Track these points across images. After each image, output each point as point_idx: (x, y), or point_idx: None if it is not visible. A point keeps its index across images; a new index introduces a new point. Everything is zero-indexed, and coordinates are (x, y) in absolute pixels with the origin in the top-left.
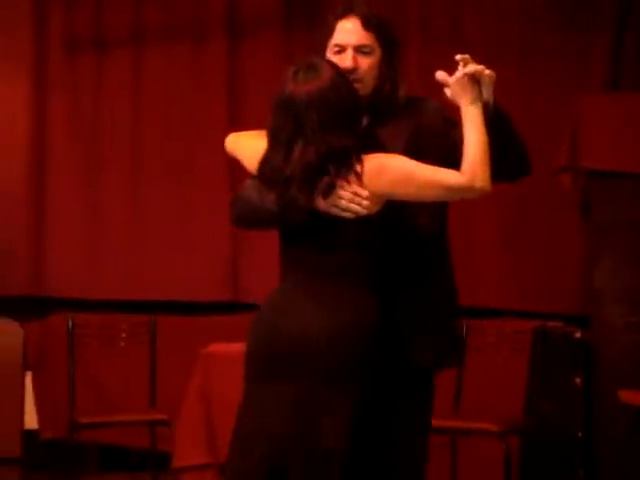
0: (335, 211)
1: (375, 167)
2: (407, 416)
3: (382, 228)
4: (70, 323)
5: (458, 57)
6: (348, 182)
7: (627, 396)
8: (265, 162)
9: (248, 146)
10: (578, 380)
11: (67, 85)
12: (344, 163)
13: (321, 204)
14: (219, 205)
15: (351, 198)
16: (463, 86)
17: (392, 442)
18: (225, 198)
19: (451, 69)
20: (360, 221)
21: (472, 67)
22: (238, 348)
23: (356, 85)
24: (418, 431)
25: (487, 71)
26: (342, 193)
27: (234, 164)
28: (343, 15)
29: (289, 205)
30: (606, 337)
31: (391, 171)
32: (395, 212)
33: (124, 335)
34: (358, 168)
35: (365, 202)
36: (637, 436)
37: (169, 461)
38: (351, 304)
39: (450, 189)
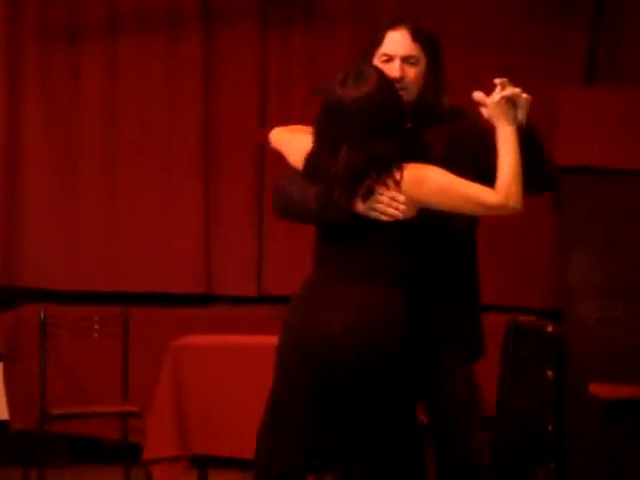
0: (373, 214)
1: (414, 176)
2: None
3: (417, 232)
4: (42, 314)
5: (497, 81)
6: (387, 187)
7: (597, 390)
8: (310, 161)
9: (293, 141)
10: (549, 374)
11: (41, 75)
12: (385, 169)
13: (360, 207)
14: (193, 198)
15: (389, 203)
16: (501, 108)
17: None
18: (199, 190)
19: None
20: (396, 224)
21: (510, 90)
22: (210, 340)
23: (401, 93)
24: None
25: (524, 95)
26: (381, 197)
27: (209, 156)
28: (393, 26)
29: (330, 205)
30: (578, 332)
31: (429, 182)
32: (430, 218)
33: (97, 327)
34: (397, 175)
35: (402, 207)
36: (607, 429)
37: (141, 453)
38: (382, 304)
39: (484, 206)
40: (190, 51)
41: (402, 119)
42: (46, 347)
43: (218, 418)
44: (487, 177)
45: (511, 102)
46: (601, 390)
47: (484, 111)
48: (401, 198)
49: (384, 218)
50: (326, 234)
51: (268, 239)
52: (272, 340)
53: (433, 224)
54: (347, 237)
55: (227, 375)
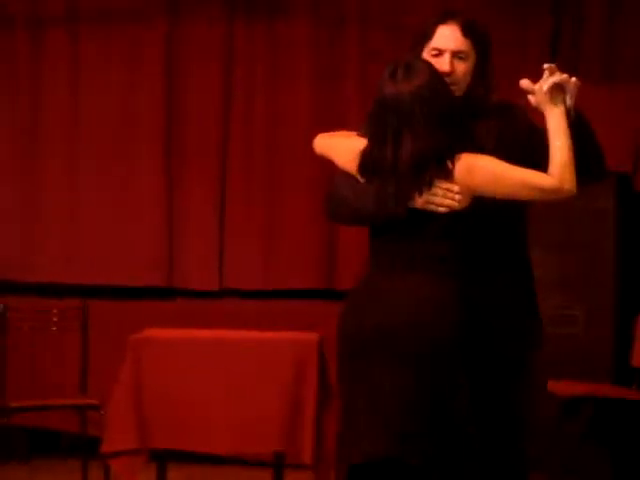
0: (430, 207)
1: (466, 165)
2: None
3: (471, 221)
4: (1, 306)
5: (545, 66)
6: (442, 178)
7: (555, 387)
8: (368, 156)
9: (340, 144)
10: None
11: (1, 62)
12: (443, 160)
13: (418, 200)
14: (155, 190)
15: (444, 194)
16: (549, 94)
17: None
18: (160, 182)
19: (389, 55)
20: (450, 214)
21: (559, 76)
22: (170, 334)
23: (451, 88)
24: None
25: (572, 79)
26: (435, 190)
27: (171, 148)
28: (444, 20)
29: (388, 201)
30: None
31: (481, 170)
32: (484, 206)
33: (56, 319)
34: (450, 165)
35: (458, 196)
36: (566, 426)
37: (99, 446)
38: (437, 295)
39: (540, 190)
40: (153, 37)
41: (455, 110)
42: (5, 340)
43: (178, 412)
44: (539, 169)
45: (559, 88)
46: (558, 387)
47: (531, 99)
48: (456, 188)
49: (441, 210)
50: (380, 228)
51: (230, 233)
52: (233, 334)
53: (487, 212)
54: (401, 230)
55: (187, 369)
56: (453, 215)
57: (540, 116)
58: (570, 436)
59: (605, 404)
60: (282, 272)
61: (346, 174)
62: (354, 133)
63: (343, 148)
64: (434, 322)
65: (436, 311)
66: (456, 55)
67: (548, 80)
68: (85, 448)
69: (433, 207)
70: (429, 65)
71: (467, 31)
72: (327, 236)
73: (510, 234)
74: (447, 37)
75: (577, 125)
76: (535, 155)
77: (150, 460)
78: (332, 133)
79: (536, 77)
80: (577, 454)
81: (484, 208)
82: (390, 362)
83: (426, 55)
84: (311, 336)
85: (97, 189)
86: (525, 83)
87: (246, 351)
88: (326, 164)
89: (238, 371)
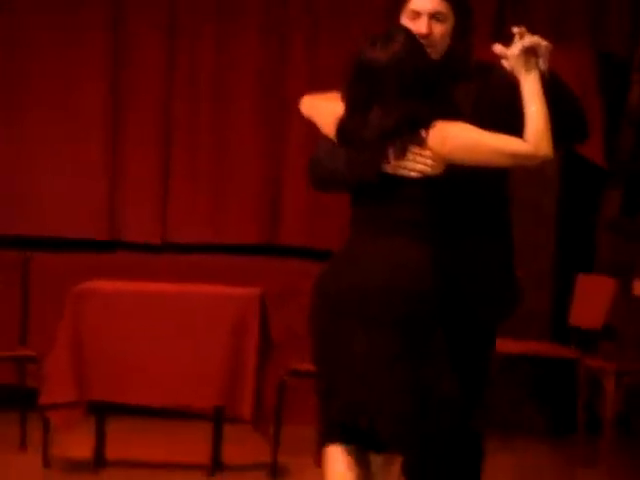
0: (402, 172)
1: (439, 134)
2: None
3: (446, 187)
4: None
5: (515, 30)
6: (415, 145)
7: (497, 345)
8: (342, 125)
9: (324, 108)
10: None
11: None
12: (414, 128)
13: (389, 165)
14: (99, 142)
15: (415, 159)
16: (522, 58)
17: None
18: (104, 134)
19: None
20: (423, 181)
21: (529, 39)
22: (111, 287)
23: (428, 50)
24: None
25: (544, 42)
26: (409, 154)
27: (116, 100)
28: None
29: (361, 166)
30: None
31: (455, 139)
32: (457, 173)
33: None
34: (424, 133)
35: (429, 162)
36: (504, 382)
37: (37, 398)
38: (411, 259)
39: (515, 156)
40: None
41: (432, 75)
42: None
43: (117, 365)
44: (518, 131)
45: (531, 51)
46: (498, 345)
47: (505, 63)
48: (427, 153)
49: (413, 174)
50: (357, 194)
51: (173, 186)
52: (174, 288)
53: (461, 179)
54: (376, 196)
55: (128, 322)
56: (428, 181)
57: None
58: (509, 393)
59: (543, 362)
60: (225, 227)
61: (327, 138)
62: (338, 95)
63: (325, 112)
64: (408, 287)
65: (410, 276)
66: (434, 17)
67: (518, 44)
68: (23, 400)
69: (405, 172)
70: (406, 30)
71: None
72: (271, 192)
73: (488, 201)
74: None
75: (553, 88)
76: (517, 118)
77: (89, 412)
78: (319, 95)
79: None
80: (516, 410)
81: (460, 175)
82: (364, 325)
83: (405, 18)
84: (253, 291)
85: (40, 141)
86: (498, 48)
87: (187, 305)
88: (272, 117)
89: (179, 325)
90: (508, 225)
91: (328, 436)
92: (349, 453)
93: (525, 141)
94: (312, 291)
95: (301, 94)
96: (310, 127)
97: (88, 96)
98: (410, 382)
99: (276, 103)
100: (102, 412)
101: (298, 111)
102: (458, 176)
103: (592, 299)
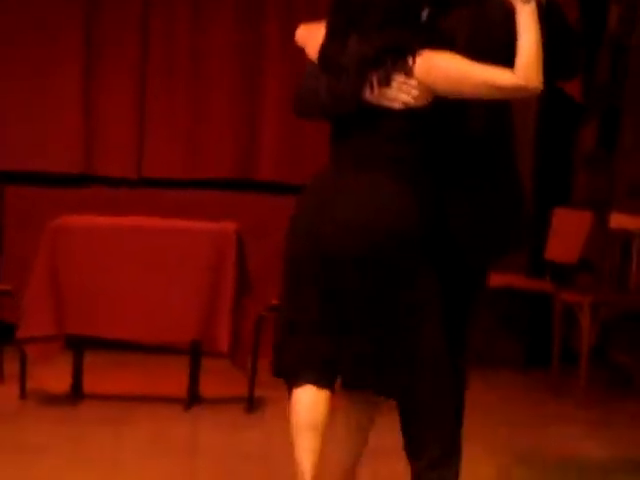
0: (384, 102)
1: (426, 64)
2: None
3: (432, 122)
4: None
5: None
6: (399, 74)
7: None
8: (322, 50)
9: (312, 36)
10: None
11: None
12: (399, 57)
13: (370, 95)
14: (73, 76)
15: (399, 87)
16: None
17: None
18: (80, 66)
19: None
20: (408, 114)
21: None
22: (87, 221)
23: None
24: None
25: None
26: (392, 84)
27: (91, 31)
28: None
29: (340, 93)
30: None
31: (442, 70)
32: (446, 108)
33: None
34: (410, 62)
35: (414, 92)
36: (481, 315)
37: (14, 332)
38: (391, 194)
39: (503, 89)
40: None
41: (417, 3)
42: None
43: (95, 299)
44: (513, 63)
45: None
46: None
47: None
48: (413, 83)
49: (395, 105)
50: (338, 126)
51: (150, 120)
52: (151, 222)
53: (449, 113)
54: (357, 128)
55: (105, 256)
56: (412, 113)
57: None
58: (485, 325)
59: (519, 295)
60: (201, 162)
61: (312, 65)
62: None
63: (313, 40)
64: (392, 226)
65: (393, 214)
66: None
67: None
68: (0, 334)
69: (387, 102)
70: None
71: None
72: (248, 126)
73: (479, 137)
74: None
75: (548, 19)
76: (511, 47)
77: (67, 347)
78: (313, 24)
79: None
80: (491, 343)
81: (448, 108)
82: (345, 264)
83: None
84: (230, 225)
85: (15, 76)
86: None
87: (164, 239)
88: (249, 52)
89: (156, 260)
90: (507, 161)
91: (297, 375)
92: (318, 393)
93: (515, 73)
94: (289, 224)
95: (278, 29)
96: (287, 62)
97: (64, 28)
98: (392, 323)
99: (253, 39)
100: (79, 346)
101: (274, 47)
102: (446, 110)
103: (568, 233)
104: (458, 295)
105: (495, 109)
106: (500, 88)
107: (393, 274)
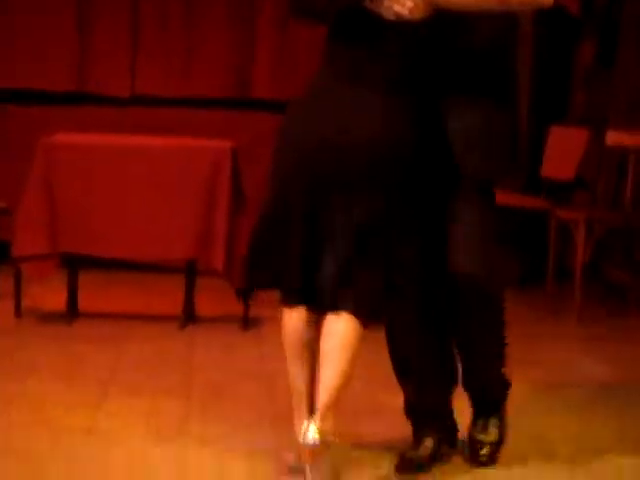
0: (381, 10)
1: None
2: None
3: (428, 40)
4: None
5: None
6: None
7: None
8: None
9: None
10: None
11: None
12: None
13: (369, 2)
14: None
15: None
16: None
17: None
18: None
19: None
20: (407, 31)
21: None
22: (81, 139)
23: None
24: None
25: None
26: None
27: None
28: None
29: None
30: None
31: None
32: (448, 23)
33: None
34: None
35: (409, 3)
36: None
37: (9, 250)
38: (382, 108)
39: (509, 1)
40: None
41: None
42: None
43: (90, 217)
44: None
45: None
46: None
47: None
48: None
49: (389, 16)
50: (336, 31)
51: (143, 38)
52: (146, 140)
53: (451, 27)
54: (355, 38)
55: (98, 175)
56: (409, 32)
57: None
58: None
59: (515, 213)
60: (196, 79)
61: None
62: None
63: None
64: (386, 144)
65: (386, 131)
66: None
67: None
68: None
69: (383, 11)
70: None
71: None
72: (243, 44)
73: (481, 55)
74: None
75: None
76: None
77: (62, 265)
78: None
79: None
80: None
81: (447, 24)
82: (337, 182)
83: None
84: (224, 143)
85: None
86: None
87: (159, 158)
88: None
89: (150, 178)
90: (508, 80)
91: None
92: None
93: None
94: (277, 137)
95: None
96: None
97: None
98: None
99: None
100: (75, 265)
101: None
102: (448, 24)
103: (565, 150)
104: (469, 214)
105: (500, 24)
106: (508, 1)
107: (378, 191)
